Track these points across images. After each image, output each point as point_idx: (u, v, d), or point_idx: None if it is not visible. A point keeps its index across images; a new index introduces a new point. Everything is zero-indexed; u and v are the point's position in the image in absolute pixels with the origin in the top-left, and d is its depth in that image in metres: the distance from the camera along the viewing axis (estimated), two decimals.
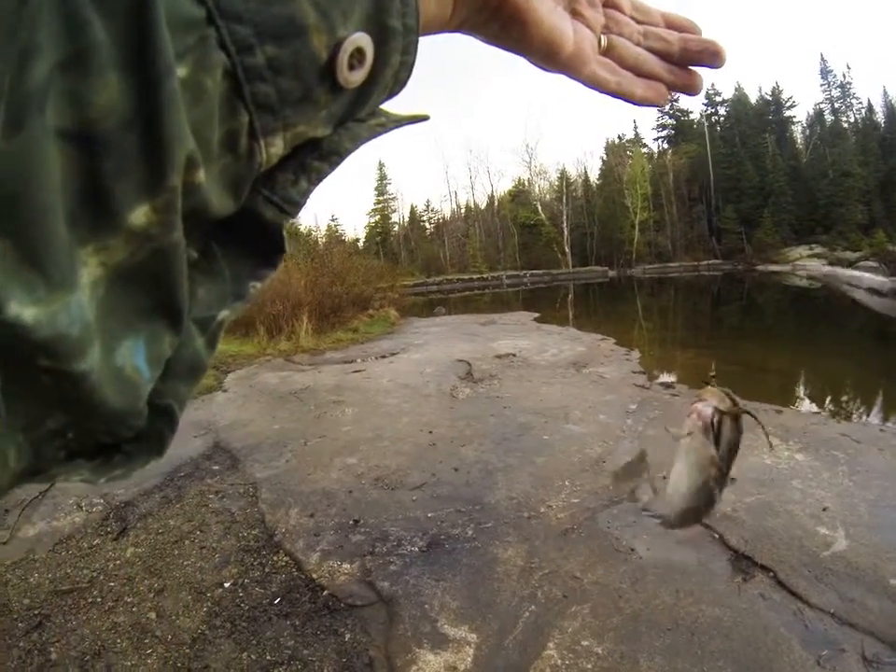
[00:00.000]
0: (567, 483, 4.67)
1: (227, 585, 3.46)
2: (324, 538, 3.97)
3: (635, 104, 0.45)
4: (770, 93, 52.19)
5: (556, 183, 52.63)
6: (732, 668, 2.72)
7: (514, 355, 10.08)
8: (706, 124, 52.01)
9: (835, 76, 50.11)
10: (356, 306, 15.99)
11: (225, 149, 0.23)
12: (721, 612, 3.08)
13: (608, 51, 0.43)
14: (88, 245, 0.20)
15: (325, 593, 3.35)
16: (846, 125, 49.00)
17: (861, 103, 49.56)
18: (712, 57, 0.44)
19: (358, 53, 0.26)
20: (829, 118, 49.94)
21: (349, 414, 6.85)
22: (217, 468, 5.26)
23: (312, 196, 0.30)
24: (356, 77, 0.27)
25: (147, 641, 2.99)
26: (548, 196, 53.60)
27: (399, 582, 3.42)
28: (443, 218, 55.24)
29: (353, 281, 16.67)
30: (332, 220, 56.08)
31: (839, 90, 49.95)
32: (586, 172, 54.54)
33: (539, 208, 50.32)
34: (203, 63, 0.21)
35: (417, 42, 0.30)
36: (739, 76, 77.62)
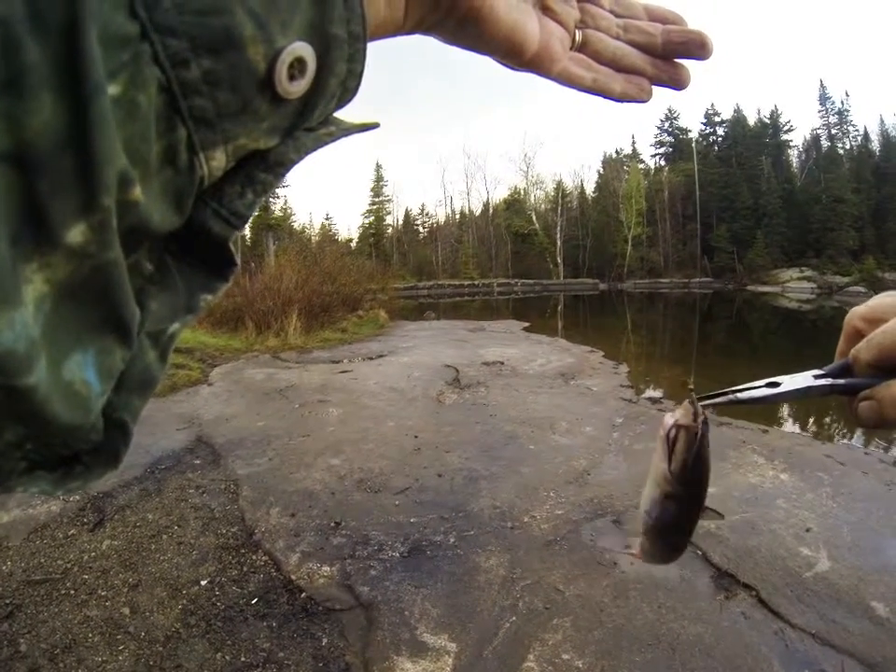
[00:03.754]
0: (551, 494, 4.64)
1: (203, 583, 3.40)
2: (304, 538, 3.92)
3: (615, 100, 0.43)
4: (768, 116, 53.10)
5: (552, 194, 52.93)
6: None
7: (502, 363, 10.08)
8: (700, 142, 52.61)
9: (833, 102, 51.20)
10: (345, 306, 15.96)
11: (164, 164, 0.23)
12: (703, 629, 3.06)
13: (583, 47, 0.41)
14: (31, 262, 0.20)
15: (303, 595, 3.30)
16: (841, 151, 49.83)
17: (857, 130, 50.59)
18: (698, 48, 0.42)
19: (299, 63, 0.26)
20: (825, 143, 50.85)
21: (334, 415, 6.79)
22: (198, 462, 5.19)
23: (258, 206, 0.29)
24: (297, 88, 0.26)
25: (119, 637, 2.92)
26: (543, 206, 53.94)
27: (378, 588, 3.37)
28: (437, 223, 55.33)
29: (344, 281, 16.63)
30: (327, 219, 56.21)
31: (836, 116, 51.00)
32: (582, 184, 55.10)
33: (534, 218, 50.63)
34: (136, 79, 0.21)
35: (365, 50, 0.29)
36: (739, 97, 78.95)
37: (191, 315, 0.28)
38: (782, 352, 17.40)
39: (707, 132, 54.69)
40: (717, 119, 54.26)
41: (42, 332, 0.21)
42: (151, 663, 2.76)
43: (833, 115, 51.03)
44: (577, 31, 0.41)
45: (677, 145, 55.84)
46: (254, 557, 3.69)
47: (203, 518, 4.19)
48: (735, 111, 53.65)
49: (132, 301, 0.23)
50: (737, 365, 13.23)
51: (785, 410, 9.22)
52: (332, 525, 4.11)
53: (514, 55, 0.37)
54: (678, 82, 0.44)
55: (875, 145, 49.80)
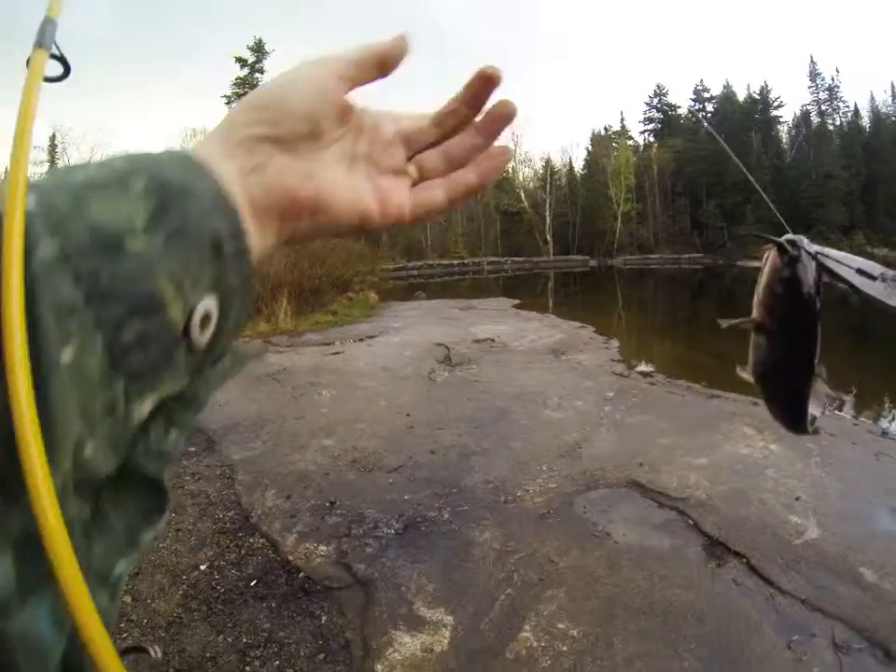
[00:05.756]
0: (544, 468, 4.69)
1: (203, 568, 3.43)
2: (300, 519, 3.95)
3: (473, 192, 0.44)
4: (758, 92, 52.88)
5: (541, 171, 52.61)
6: (704, 651, 2.77)
7: (493, 340, 10.10)
8: (689, 118, 52.41)
9: (824, 78, 51.05)
10: (335, 289, 15.88)
11: (105, 416, 0.25)
12: (695, 597, 3.13)
13: (422, 177, 0.42)
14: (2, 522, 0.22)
15: (301, 575, 3.34)
16: (831, 128, 49.92)
17: (847, 106, 50.61)
18: (502, 121, 0.43)
19: (208, 315, 0.29)
20: (815, 120, 50.81)
21: (326, 397, 6.81)
22: (193, 449, 5.20)
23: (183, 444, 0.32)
24: (206, 336, 0.29)
25: (122, 626, 2.94)
26: (531, 184, 53.61)
27: (375, 564, 3.42)
28: None
29: (333, 263, 16.53)
30: None
31: (827, 92, 50.95)
32: (571, 161, 54.66)
33: (523, 195, 50.34)
34: (84, 344, 0.24)
35: (252, 288, 0.33)
36: (729, 74, 78.60)
37: (136, 551, 0.29)
38: None
39: (697, 108, 54.07)
40: (706, 94, 54.05)
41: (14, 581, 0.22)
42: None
43: (823, 91, 50.96)
44: (412, 168, 0.42)
45: (666, 121, 55.55)
46: (251, 540, 3.72)
47: (201, 504, 4.21)
48: (724, 87, 53.49)
49: (82, 550, 0.24)
50: (727, 342, 13.28)
51: None
52: (327, 504, 4.15)
53: (366, 226, 0.40)
54: (500, 164, 0.45)
55: (866, 121, 49.91)
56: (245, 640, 2.84)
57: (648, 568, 3.36)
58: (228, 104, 38.63)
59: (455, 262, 41.42)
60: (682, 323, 16.98)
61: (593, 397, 6.67)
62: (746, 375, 0.66)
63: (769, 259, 0.58)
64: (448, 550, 3.55)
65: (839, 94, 50.66)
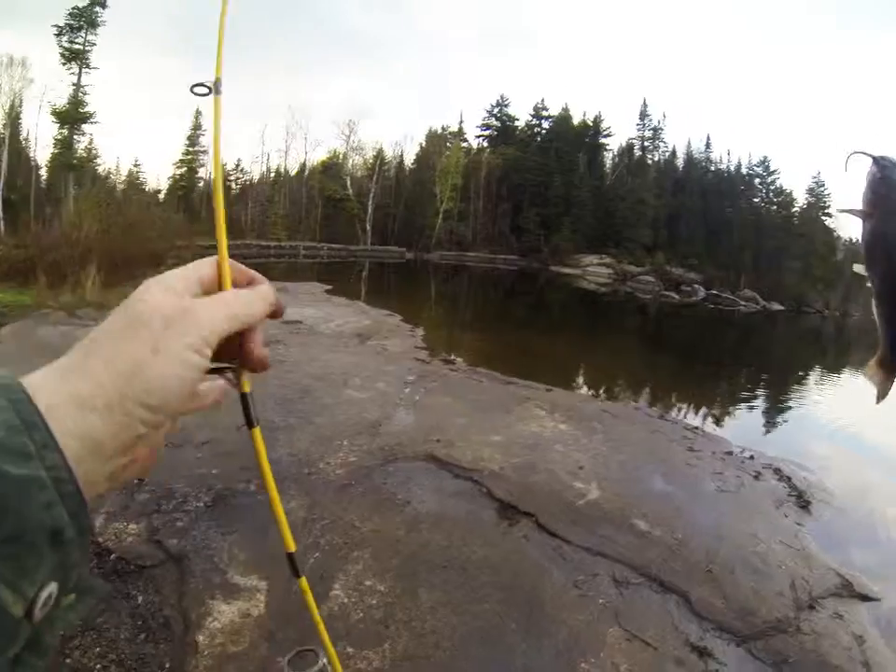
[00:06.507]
0: (345, 443, 4.89)
1: None
2: (107, 499, 3.72)
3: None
4: (592, 120, 58.26)
5: (371, 161, 52.32)
6: (502, 595, 3.15)
7: (301, 322, 10.06)
8: (524, 130, 55.89)
9: (651, 119, 57.74)
10: (149, 261, 14.71)
11: None
12: (490, 552, 3.53)
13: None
14: None
15: (113, 556, 3.17)
16: (650, 162, 56.74)
17: (667, 146, 58.03)
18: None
19: (49, 596, 0.31)
20: (637, 153, 57.35)
21: None
22: None
23: None
24: (46, 610, 0.31)
25: None
26: (360, 173, 52.99)
27: (187, 538, 3.37)
28: (251, 181, 51.82)
29: (148, 234, 15.33)
30: (136, 166, 50.20)
31: (651, 131, 57.67)
32: (402, 155, 54.95)
33: (349, 183, 49.62)
34: None
35: (90, 534, 0.34)
36: (569, 98, 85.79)
37: None
38: (579, 326, 19.38)
39: (534, 123, 58.36)
40: (544, 112, 58.21)
41: None
42: None
43: (648, 130, 57.66)
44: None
45: (503, 129, 58.45)
46: None
47: None
48: (563, 109, 58.13)
49: None
50: (531, 337, 14.46)
51: (573, 373, 10.34)
52: (135, 482, 3.95)
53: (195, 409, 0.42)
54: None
55: (680, 162, 57.74)
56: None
57: (446, 530, 3.70)
58: (59, 34, 32.57)
59: (273, 244, 39.92)
60: (489, 317, 18.01)
61: (394, 379, 6.97)
62: (858, 268, 0.79)
63: (869, 169, 0.75)
64: (257, 520, 3.59)
65: (661, 135, 57.80)
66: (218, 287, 0.44)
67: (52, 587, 0.30)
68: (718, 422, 9.13)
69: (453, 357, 9.30)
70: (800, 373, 17.08)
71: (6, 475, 0.28)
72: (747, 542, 4.32)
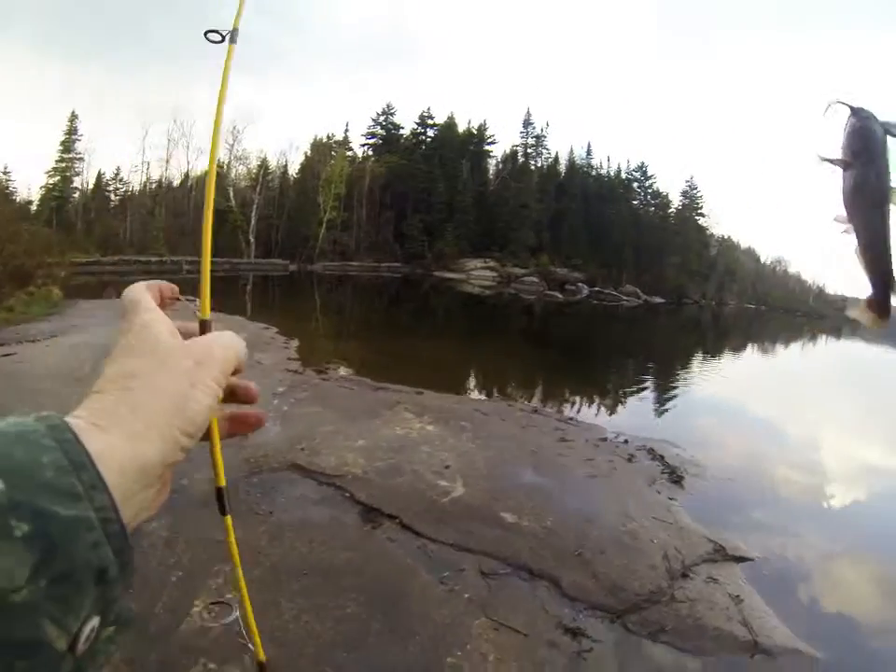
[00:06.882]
0: (208, 458, 4.78)
1: None
2: None
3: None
4: (477, 128, 59.99)
5: (255, 171, 50.62)
6: (364, 597, 3.20)
7: None
8: (409, 139, 56.51)
9: (535, 127, 60.55)
10: (14, 281, 13.55)
11: None
12: (353, 555, 3.61)
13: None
14: None
15: None
16: (533, 168, 59.20)
17: (549, 153, 61.13)
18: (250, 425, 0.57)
19: (91, 630, 0.32)
20: (521, 159, 59.65)
21: None
22: None
23: None
24: (88, 643, 0.32)
25: None
26: (243, 183, 51.10)
27: None
28: (131, 191, 48.23)
29: (13, 251, 14.12)
30: (4, 173, 45.03)
31: (535, 139, 60.47)
32: (286, 164, 53.54)
33: (231, 194, 47.73)
34: None
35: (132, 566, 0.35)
36: (454, 107, 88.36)
37: None
38: (461, 330, 19.83)
39: (419, 131, 59.26)
40: (430, 121, 59.33)
41: None
42: None
43: (532, 137, 60.58)
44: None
45: (388, 138, 58.72)
46: None
47: None
48: (448, 118, 59.53)
49: None
50: (407, 342, 14.77)
51: (447, 375, 10.59)
52: None
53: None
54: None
55: (562, 167, 61.03)
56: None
57: (308, 537, 3.75)
58: None
59: (154, 259, 37.93)
60: (366, 325, 18.08)
61: (264, 392, 6.80)
62: (839, 220, 0.82)
63: (848, 120, 0.78)
64: None
65: (544, 142, 61.00)
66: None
67: (94, 621, 0.31)
68: (595, 411, 9.54)
69: (326, 367, 9.30)
70: (679, 360, 18.53)
71: (55, 516, 0.29)
72: (618, 522, 4.51)
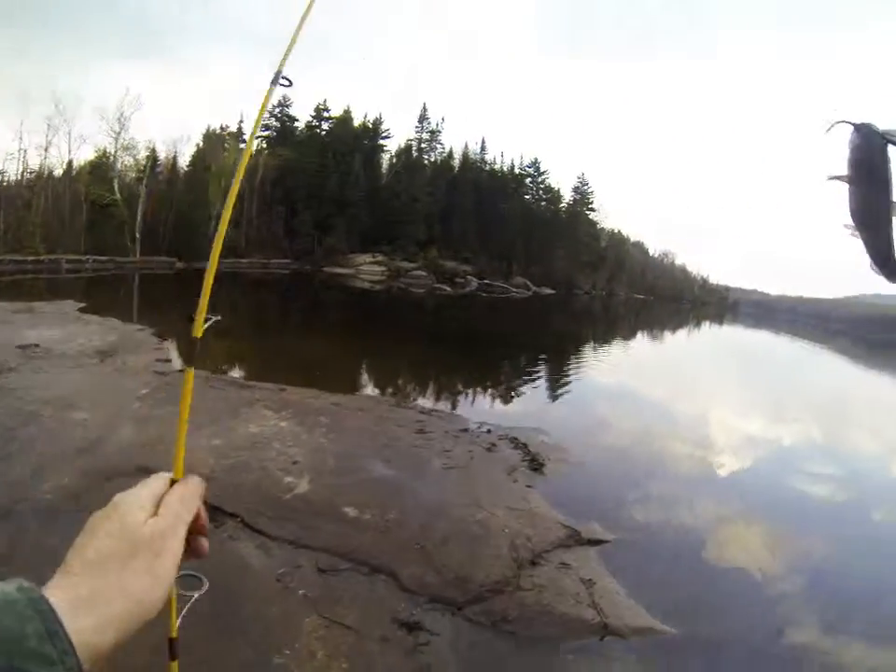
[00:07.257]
0: (60, 465, 4.59)
1: None
2: None
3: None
4: (372, 122, 59.49)
5: (143, 162, 47.22)
6: (200, 604, 3.12)
7: (38, 345, 9.11)
8: (304, 132, 55.30)
9: (430, 123, 61.16)
10: None
11: None
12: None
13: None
14: None
15: None
16: (426, 162, 59.81)
17: (443, 148, 61.85)
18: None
19: None
20: (415, 153, 59.96)
21: None
22: None
23: None
24: None
25: None
26: (130, 175, 47.60)
27: None
28: (6, 181, 43.04)
29: None
30: None
31: (429, 134, 61.03)
32: (176, 155, 50.37)
33: (116, 187, 44.51)
34: None
35: None
36: (351, 101, 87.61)
37: None
38: (344, 324, 19.70)
39: (314, 124, 57.96)
40: (326, 114, 58.10)
41: None
42: None
43: (426, 132, 61.14)
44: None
45: (283, 130, 56.94)
46: None
47: None
48: (344, 111, 58.56)
49: None
50: (288, 339, 14.62)
51: (316, 371, 10.49)
52: None
53: None
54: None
55: (456, 162, 61.90)
56: None
57: None
58: None
59: (30, 259, 34.88)
60: (249, 323, 17.62)
61: (126, 395, 6.68)
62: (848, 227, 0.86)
63: (850, 137, 0.81)
64: None
65: (439, 137, 61.58)
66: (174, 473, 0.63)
67: None
68: (462, 402, 9.47)
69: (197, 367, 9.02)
70: (560, 347, 19.22)
71: None
72: (467, 513, 4.53)
